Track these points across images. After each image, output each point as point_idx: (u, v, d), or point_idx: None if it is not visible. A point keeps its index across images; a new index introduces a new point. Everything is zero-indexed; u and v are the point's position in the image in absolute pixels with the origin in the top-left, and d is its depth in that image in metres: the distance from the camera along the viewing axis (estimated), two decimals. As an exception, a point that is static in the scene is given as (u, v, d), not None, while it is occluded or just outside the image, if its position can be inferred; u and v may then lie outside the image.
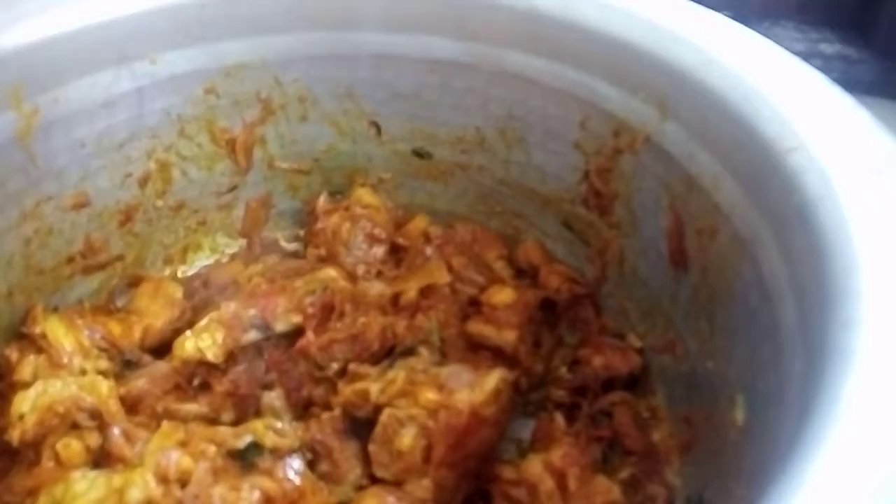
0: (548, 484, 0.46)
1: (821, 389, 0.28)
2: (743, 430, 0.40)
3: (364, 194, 0.64)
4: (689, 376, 0.50)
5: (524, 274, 0.61)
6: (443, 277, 0.58)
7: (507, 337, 0.55)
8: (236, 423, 0.51)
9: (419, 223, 0.64)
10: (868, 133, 0.37)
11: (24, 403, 0.46)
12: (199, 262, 0.65)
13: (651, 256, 0.53)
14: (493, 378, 0.49)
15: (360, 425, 0.51)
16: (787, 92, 0.40)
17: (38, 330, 0.51)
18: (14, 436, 0.45)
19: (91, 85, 0.53)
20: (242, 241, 0.67)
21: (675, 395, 0.51)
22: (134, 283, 0.61)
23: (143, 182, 0.60)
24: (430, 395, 0.48)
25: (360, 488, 0.49)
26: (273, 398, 0.53)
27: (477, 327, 0.56)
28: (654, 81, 0.47)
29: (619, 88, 0.50)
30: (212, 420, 0.52)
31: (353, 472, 0.50)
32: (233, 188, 0.65)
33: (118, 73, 0.54)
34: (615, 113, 0.51)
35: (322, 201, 0.63)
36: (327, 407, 0.52)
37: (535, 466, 0.47)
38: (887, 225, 0.33)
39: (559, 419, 0.51)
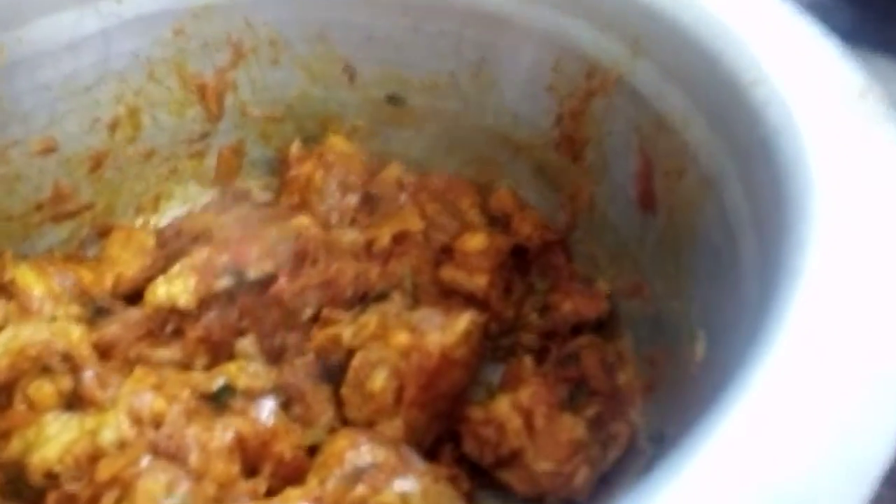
0: (515, 422, 0.47)
1: (771, 311, 0.29)
2: (702, 365, 0.41)
3: (337, 142, 0.63)
4: (654, 318, 0.50)
5: (497, 221, 0.61)
6: (416, 224, 0.58)
7: (479, 282, 0.55)
8: (209, 368, 0.52)
9: (393, 171, 0.63)
10: (833, 63, 0.37)
11: (-6, 348, 0.46)
12: (172, 211, 0.65)
13: (620, 201, 0.53)
14: (464, 320, 0.49)
15: (333, 370, 0.52)
16: (754, 25, 0.40)
17: (7, 276, 0.51)
18: (-16, 379, 0.45)
19: (55, 25, 0.52)
20: (215, 191, 0.66)
21: (641, 337, 0.52)
22: (105, 232, 0.61)
23: (113, 127, 0.59)
24: (401, 338, 0.49)
25: (332, 430, 0.50)
26: (246, 344, 0.54)
27: (449, 273, 0.56)
28: (627, 19, 0.47)
29: (592, 27, 0.49)
30: (185, 366, 0.52)
31: (326, 414, 0.50)
32: (204, 135, 0.64)
33: (82, 13, 0.53)
34: (588, 53, 0.51)
35: (295, 149, 0.63)
36: (301, 353, 0.53)
37: (503, 406, 0.48)
38: (846, 153, 0.33)
39: (528, 362, 0.52)
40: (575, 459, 0.46)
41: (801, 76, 0.38)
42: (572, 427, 0.47)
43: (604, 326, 0.55)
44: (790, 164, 0.34)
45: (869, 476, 0.25)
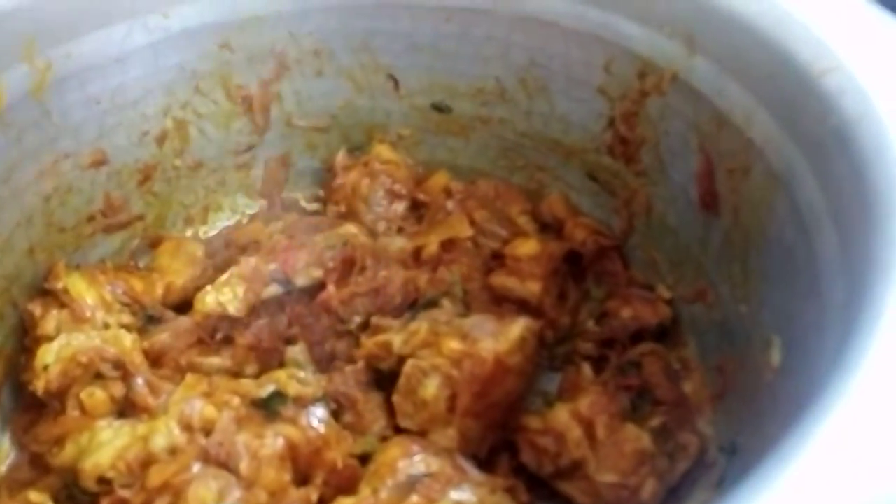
0: (575, 432, 0.45)
1: (862, 311, 0.27)
2: (778, 372, 0.39)
3: (383, 150, 0.63)
4: (721, 324, 0.48)
5: (549, 228, 0.60)
6: (465, 231, 0.57)
7: (532, 288, 0.54)
8: (259, 376, 0.51)
9: (440, 179, 0.63)
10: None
11: (48, 355, 0.46)
12: (220, 222, 0.65)
13: (680, 203, 0.51)
14: (518, 326, 0.48)
15: (383, 377, 0.51)
16: (819, 12, 0.38)
17: (60, 285, 0.51)
18: (38, 386, 0.46)
19: (104, 39, 0.53)
20: (262, 202, 0.66)
21: (707, 344, 0.50)
22: (155, 243, 0.61)
23: (161, 140, 0.59)
24: (453, 345, 0.47)
25: (384, 439, 0.48)
26: (296, 352, 0.53)
27: (500, 279, 0.55)
28: (680, 15, 0.46)
29: (644, 25, 0.48)
30: (235, 373, 0.52)
31: (378, 423, 0.49)
32: (250, 147, 0.64)
33: (131, 28, 0.54)
34: (640, 52, 0.49)
35: (341, 157, 0.63)
36: (350, 360, 0.52)
37: (561, 415, 0.46)
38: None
39: (586, 369, 0.50)
40: (641, 471, 0.44)
41: (875, 62, 0.36)
42: (637, 437, 0.45)
43: (666, 334, 0.52)
44: (871, 153, 0.32)
45: None
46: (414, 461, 0.44)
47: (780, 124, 0.39)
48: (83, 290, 0.51)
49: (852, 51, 0.36)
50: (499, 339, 0.47)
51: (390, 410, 0.49)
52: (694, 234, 0.50)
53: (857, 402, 0.26)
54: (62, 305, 0.51)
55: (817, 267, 0.35)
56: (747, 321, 0.44)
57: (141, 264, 0.60)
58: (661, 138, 0.51)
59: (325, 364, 0.52)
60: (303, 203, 0.67)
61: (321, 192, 0.66)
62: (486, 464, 0.47)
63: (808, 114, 0.36)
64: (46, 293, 0.52)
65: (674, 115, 0.49)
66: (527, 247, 0.56)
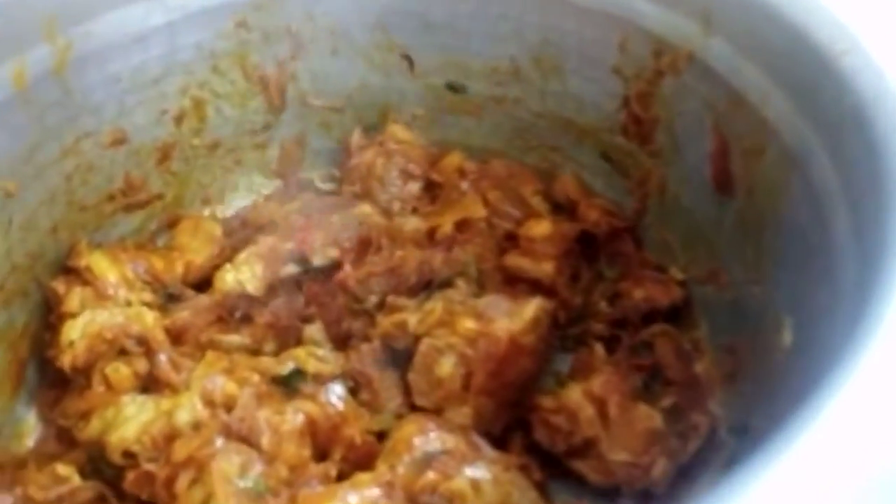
0: (588, 411, 0.46)
1: (875, 293, 0.27)
2: (790, 352, 0.39)
3: (398, 130, 0.63)
4: (732, 305, 0.48)
5: (562, 208, 0.60)
6: (479, 211, 0.58)
7: (545, 269, 0.54)
8: (278, 354, 0.52)
9: (454, 159, 0.63)
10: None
11: (73, 331, 0.47)
12: (237, 202, 0.65)
13: (694, 184, 0.51)
14: (532, 306, 0.49)
15: (399, 356, 0.51)
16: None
17: (83, 263, 0.52)
18: (65, 361, 0.47)
19: (123, 18, 0.53)
20: (278, 182, 0.67)
21: (719, 325, 0.50)
22: (174, 222, 0.62)
23: (179, 119, 0.60)
24: (468, 324, 0.48)
25: (400, 416, 0.49)
26: (314, 330, 0.54)
27: (514, 260, 0.56)
28: (697, -6, 0.45)
29: (659, 4, 0.48)
30: (254, 351, 0.53)
31: (394, 400, 0.50)
32: (267, 127, 0.64)
33: (149, 7, 0.54)
34: (655, 31, 0.49)
35: (356, 137, 0.63)
36: (366, 339, 0.53)
37: (574, 394, 0.47)
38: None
39: (599, 350, 0.51)
40: (652, 450, 0.44)
41: (891, 43, 0.36)
42: (649, 417, 0.45)
43: (678, 314, 0.53)
44: (886, 134, 0.32)
45: None
46: (430, 438, 0.45)
47: (795, 104, 0.39)
48: (105, 269, 0.52)
49: (868, 32, 0.36)
50: (513, 318, 0.48)
51: (406, 389, 0.50)
52: (707, 215, 0.50)
53: (865, 381, 0.26)
54: (85, 283, 0.52)
55: (831, 248, 0.35)
56: (760, 302, 0.44)
57: (160, 243, 0.61)
58: (675, 118, 0.51)
59: (341, 342, 0.53)
60: (318, 183, 0.67)
61: (336, 172, 0.66)
62: (499, 442, 0.48)
63: (824, 94, 0.36)
64: (69, 271, 0.53)
65: (689, 94, 0.49)
66: (540, 227, 0.56)
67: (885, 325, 0.27)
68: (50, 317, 0.53)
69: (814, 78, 0.37)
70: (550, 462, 0.48)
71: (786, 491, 0.25)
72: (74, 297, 0.51)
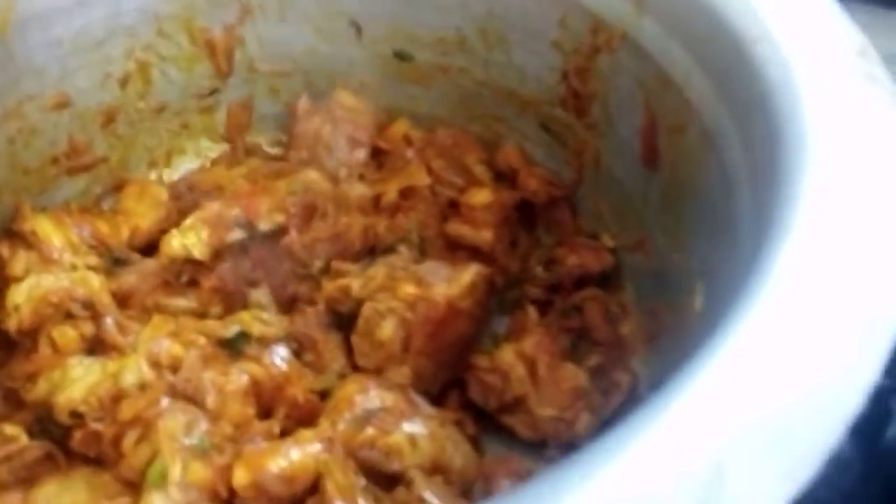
0: (519, 370, 0.49)
1: (762, 264, 0.30)
2: (700, 316, 0.42)
3: (345, 97, 0.64)
4: (656, 272, 0.52)
5: (504, 177, 0.62)
6: (423, 179, 0.60)
7: (484, 236, 0.57)
8: (224, 317, 0.53)
9: (400, 127, 0.64)
10: (833, 21, 0.38)
11: (19, 295, 0.48)
12: (184, 165, 0.66)
13: (625, 157, 0.54)
14: (470, 272, 0.51)
15: (343, 319, 0.53)
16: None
17: (27, 227, 0.52)
18: (11, 325, 0.48)
19: (65, -20, 0.53)
20: (226, 146, 0.67)
21: (644, 290, 0.54)
22: (119, 187, 0.62)
23: (124, 83, 0.60)
24: (409, 289, 0.50)
25: (342, 377, 0.52)
26: (260, 294, 0.55)
27: (455, 227, 0.58)
28: (632, -24, 0.47)
29: (597, -17, 0.50)
30: (200, 314, 0.54)
31: (337, 361, 0.52)
32: (213, 91, 0.65)
33: (92, -31, 0.53)
34: (593, 9, 0.51)
35: (303, 103, 0.64)
36: (311, 303, 0.54)
37: (507, 354, 0.50)
38: (841, 111, 0.34)
39: (532, 312, 0.53)
40: (577, 406, 0.48)
41: (802, 34, 0.38)
42: (574, 375, 0.48)
43: (607, 280, 0.56)
44: (786, 120, 0.35)
45: (842, 414, 0.26)
46: (370, 396, 0.48)
47: (714, 87, 0.42)
48: (50, 232, 0.52)
49: (781, 21, 0.39)
50: (451, 284, 0.50)
51: (348, 350, 0.52)
52: (636, 187, 0.53)
53: (748, 341, 0.29)
54: (30, 247, 0.52)
55: (736, 222, 0.38)
56: (678, 269, 0.48)
57: (105, 207, 0.61)
58: (610, 94, 0.53)
59: (287, 306, 0.55)
60: (265, 147, 0.68)
61: (283, 137, 0.67)
62: (437, 399, 0.51)
63: (739, 79, 0.39)
64: (13, 234, 0.54)
65: (622, 71, 0.51)
66: (481, 196, 0.58)
67: (768, 291, 0.30)
68: (-6, 280, 0.53)
69: (731, 63, 0.40)
70: (483, 417, 0.51)
71: (681, 425, 0.27)
72: (19, 260, 0.51)
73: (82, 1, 0.54)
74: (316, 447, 0.45)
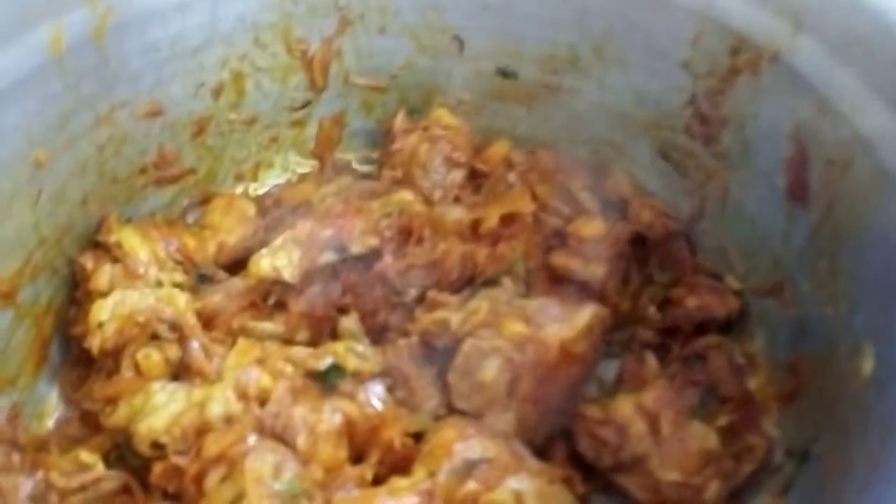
0: (639, 426, 0.44)
1: None
2: (870, 382, 0.36)
3: (443, 115, 0.60)
4: (797, 322, 0.46)
5: (611, 206, 0.57)
6: (526, 206, 0.55)
7: (596, 271, 0.52)
8: (310, 343, 0.50)
9: (500, 148, 0.60)
10: None
11: (103, 312, 0.45)
12: (270, 180, 0.63)
13: (762, 191, 0.48)
14: (586, 314, 0.46)
15: (437, 353, 0.49)
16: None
17: (112, 239, 0.50)
18: (94, 344, 0.45)
19: (165, -16, 0.50)
20: (314, 161, 0.64)
21: (778, 341, 0.48)
22: (205, 200, 0.59)
23: (217, 93, 0.57)
24: (516, 328, 0.46)
25: (437, 417, 0.47)
26: (349, 322, 0.51)
27: (562, 259, 0.53)
28: (789, -10, 0.42)
29: (744, -1, 0.45)
30: (286, 340, 0.50)
31: (431, 400, 0.48)
32: (306, 104, 0.62)
33: (193, -27, 0.51)
34: (736, 27, 0.46)
35: (400, 120, 0.60)
36: (403, 333, 0.50)
37: (625, 407, 0.45)
38: None
39: (651, 360, 0.48)
40: (706, 471, 0.42)
41: None
42: (703, 436, 0.43)
43: (731, 326, 0.50)
44: None
45: None
46: (470, 444, 0.43)
47: (895, 117, 0.36)
48: (136, 246, 0.50)
49: None
50: (565, 325, 0.46)
51: (444, 388, 0.48)
52: (774, 225, 0.47)
53: None
54: (115, 260, 0.50)
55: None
56: (832, 323, 0.42)
57: (190, 220, 0.59)
58: (748, 120, 0.48)
59: (376, 335, 0.51)
60: (355, 164, 0.65)
61: (374, 154, 0.64)
62: (541, 451, 0.46)
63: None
64: (98, 246, 0.51)
65: (767, 96, 0.46)
66: (591, 227, 0.53)
67: None
68: (76, 293, 0.51)
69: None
70: (592, 474, 0.46)
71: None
72: (103, 274, 0.48)
73: (180, 6, 0.52)
74: (413, 500, 0.40)
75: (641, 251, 0.55)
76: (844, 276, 0.41)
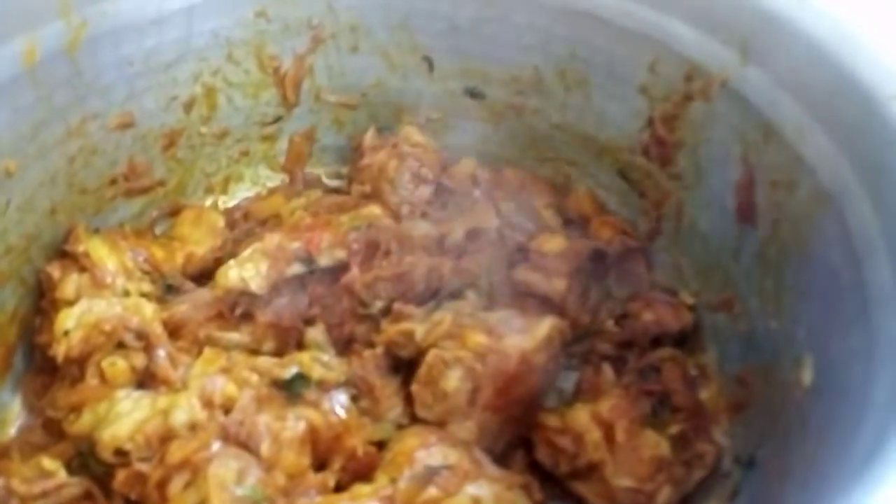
0: (595, 434, 0.45)
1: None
2: (809, 391, 0.38)
3: (412, 132, 0.62)
4: (746, 335, 0.48)
5: (573, 223, 0.59)
6: (491, 221, 0.57)
7: (556, 286, 0.53)
8: (276, 354, 0.51)
9: (467, 165, 0.62)
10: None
11: (69, 320, 0.45)
12: (240, 193, 0.64)
13: (714, 210, 0.50)
14: (546, 325, 0.48)
15: (401, 364, 0.50)
16: (888, 34, 0.38)
17: (80, 248, 0.50)
18: (59, 351, 0.45)
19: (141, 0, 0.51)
20: (284, 175, 0.65)
21: (729, 354, 0.50)
22: (174, 211, 0.60)
23: (189, 106, 0.58)
24: (478, 339, 0.47)
25: (400, 426, 0.48)
26: (316, 333, 0.52)
27: (525, 274, 0.55)
28: (737, 22, 0.45)
29: (697, 29, 0.47)
30: (253, 350, 0.51)
31: (394, 410, 0.49)
32: (277, 119, 0.63)
33: (169, -11, 0.52)
34: (690, 55, 0.48)
35: (369, 137, 0.62)
36: (369, 344, 0.51)
37: (581, 416, 0.46)
38: None
39: (608, 371, 0.50)
40: (658, 478, 0.44)
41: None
42: (656, 444, 0.45)
43: (685, 339, 0.52)
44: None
45: None
46: (431, 452, 0.44)
47: (836, 144, 0.39)
48: (104, 255, 0.50)
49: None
50: (525, 336, 0.47)
51: (407, 398, 0.49)
52: (725, 243, 0.50)
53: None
54: (82, 269, 0.50)
55: (866, 292, 0.34)
56: (777, 336, 0.44)
57: (158, 231, 0.59)
58: (701, 144, 0.50)
59: (342, 346, 0.52)
60: (324, 179, 0.66)
61: (343, 170, 0.65)
62: (500, 459, 0.47)
63: (870, 136, 0.36)
64: (65, 255, 0.51)
65: (718, 121, 0.48)
66: (553, 243, 0.55)
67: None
68: (42, 302, 0.51)
69: (858, 119, 0.37)
70: (550, 482, 0.47)
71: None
72: (70, 283, 0.49)
73: (156, 20, 0.53)
74: (374, 506, 0.41)
75: (601, 267, 0.56)
76: (788, 291, 0.43)
